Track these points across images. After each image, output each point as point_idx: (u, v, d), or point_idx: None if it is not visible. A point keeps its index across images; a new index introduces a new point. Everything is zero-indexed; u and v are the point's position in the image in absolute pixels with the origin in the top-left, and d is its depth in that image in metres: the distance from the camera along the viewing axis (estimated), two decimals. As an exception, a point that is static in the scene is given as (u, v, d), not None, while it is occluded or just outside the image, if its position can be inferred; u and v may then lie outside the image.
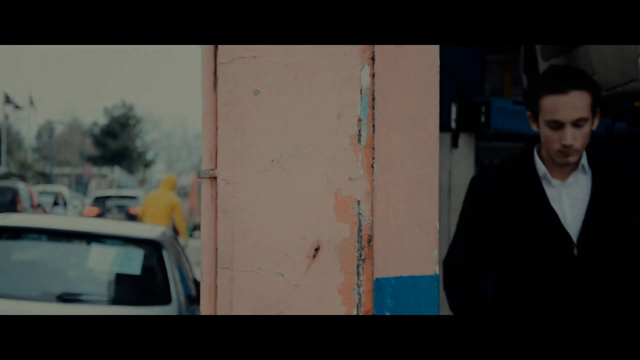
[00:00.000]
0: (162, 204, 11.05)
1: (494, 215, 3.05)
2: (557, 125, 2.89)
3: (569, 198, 3.00)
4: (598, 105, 2.91)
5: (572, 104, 2.85)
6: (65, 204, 27.72)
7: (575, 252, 2.95)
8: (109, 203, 24.85)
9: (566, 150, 2.90)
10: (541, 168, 3.03)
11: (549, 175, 3.02)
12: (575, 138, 2.87)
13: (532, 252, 2.99)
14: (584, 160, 3.02)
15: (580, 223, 2.98)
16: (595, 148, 3.01)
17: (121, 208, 24.65)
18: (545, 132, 2.96)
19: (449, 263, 3.23)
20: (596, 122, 2.93)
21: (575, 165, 3.00)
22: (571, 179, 3.01)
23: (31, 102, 53.81)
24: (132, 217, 22.16)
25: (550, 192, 3.01)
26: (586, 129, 2.88)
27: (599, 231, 2.98)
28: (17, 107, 49.37)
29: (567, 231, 2.97)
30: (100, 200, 25.11)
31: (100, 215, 23.42)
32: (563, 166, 2.99)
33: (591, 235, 2.97)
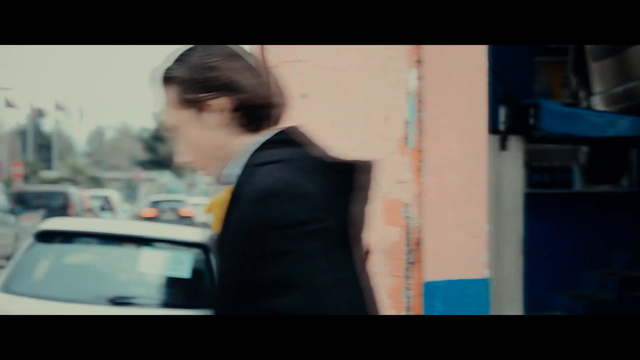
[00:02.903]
0: (222, 208, 11.32)
1: None
2: None
3: None
4: (207, 90, 1.78)
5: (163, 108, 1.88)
6: (112, 209, 28.42)
7: None
8: (163, 205, 30.07)
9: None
10: None
11: None
12: (179, 150, 1.87)
13: None
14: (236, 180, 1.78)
15: None
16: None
17: (173, 209, 29.83)
18: None
19: None
20: (213, 117, 1.78)
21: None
22: None
23: (81, 109, 54.63)
24: (182, 217, 28.41)
25: None
26: (190, 134, 1.82)
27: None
28: (63, 110, 50.01)
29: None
30: (155, 203, 30.35)
31: (157, 215, 28.44)
32: None
33: None
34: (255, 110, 1.78)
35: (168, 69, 1.82)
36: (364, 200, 1.75)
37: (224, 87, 1.77)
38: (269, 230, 1.58)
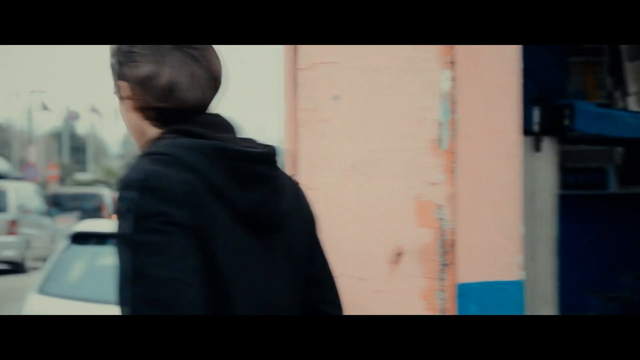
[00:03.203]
0: None
1: None
2: None
3: None
4: (119, 77, 1.86)
5: None
6: None
7: None
8: None
9: None
10: None
11: None
12: None
13: None
14: None
15: None
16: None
17: None
18: None
19: None
20: (127, 102, 1.85)
21: None
22: None
23: (115, 111, 54.99)
24: None
25: None
26: (120, 110, 1.91)
27: None
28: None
29: None
30: None
31: None
32: None
33: None
34: (151, 109, 1.80)
35: (110, 47, 1.89)
36: (269, 188, 1.78)
37: (126, 80, 1.81)
38: (127, 220, 1.63)
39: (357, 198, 2.32)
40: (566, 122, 4.87)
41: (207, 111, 1.83)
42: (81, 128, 64.53)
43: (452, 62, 2.31)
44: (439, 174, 2.31)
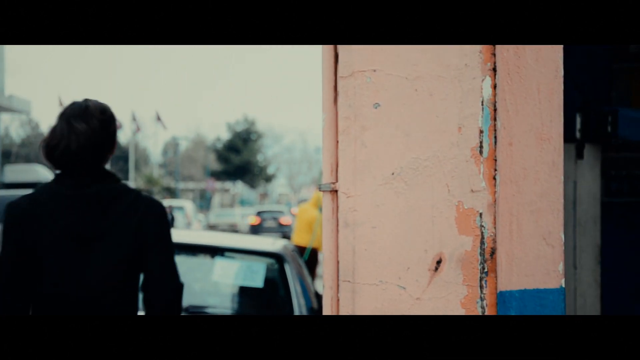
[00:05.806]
0: (303, 219, 11.82)
1: None
2: None
3: None
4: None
5: None
6: (172, 219, 28.53)
7: None
8: (266, 215, 36.49)
9: None
10: None
11: None
12: None
13: None
14: None
15: None
16: None
17: (274, 219, 36.30)
18: None
19: None
20: None
21: None
22: None
23: (158, 119, 55.43)
24: (281, 225, 34.85)
25: None
26: None
27: None
28: (138, 128, 51.48)
29: None
30: (260, 213, 36.96)
31: (260, 223, 35.21)
32: None
33: None
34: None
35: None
36: (81, 214, 2.88)
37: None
38: None
39: (398, 206, 2.31)
40: (610, 128, 4.81)
41: (83, 163, 2.91)
42: (123, 137, 65.22)
43: (494, 70, 2.30)
44: (480, 181, 2.30)
